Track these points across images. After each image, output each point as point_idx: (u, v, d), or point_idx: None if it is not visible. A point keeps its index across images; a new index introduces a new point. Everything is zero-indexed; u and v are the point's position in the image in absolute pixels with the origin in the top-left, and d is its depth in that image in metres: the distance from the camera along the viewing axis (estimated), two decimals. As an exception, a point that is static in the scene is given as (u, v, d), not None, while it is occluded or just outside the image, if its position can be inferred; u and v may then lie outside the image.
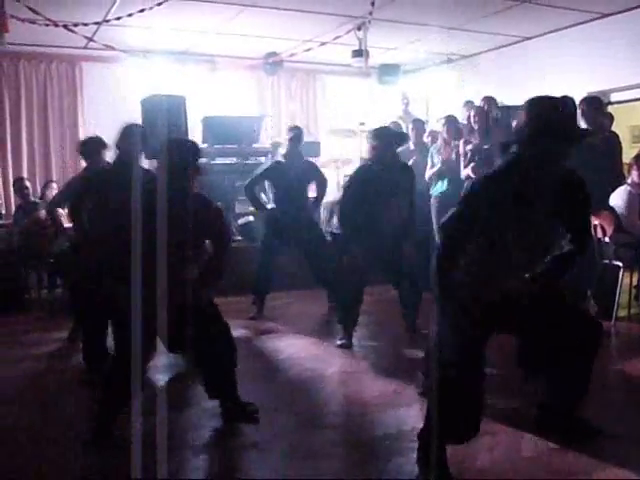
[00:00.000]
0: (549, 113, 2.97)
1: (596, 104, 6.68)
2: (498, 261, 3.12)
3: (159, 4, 6.55)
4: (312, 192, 7.05)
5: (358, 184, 5.49)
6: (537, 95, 3.05)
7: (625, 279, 6.13)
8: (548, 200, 3.07)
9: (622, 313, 6.16)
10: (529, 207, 3.02)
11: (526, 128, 2.99)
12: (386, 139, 5.47)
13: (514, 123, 3.23)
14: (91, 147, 5.54)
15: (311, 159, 7.39)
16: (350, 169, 10.07)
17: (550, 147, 2.96)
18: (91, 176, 5.28)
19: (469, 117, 7.25)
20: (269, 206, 7.01)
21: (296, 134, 6.67)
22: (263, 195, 7.34)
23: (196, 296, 3.64)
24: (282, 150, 6.93)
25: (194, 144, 3.93)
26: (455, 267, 3.08)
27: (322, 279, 6.83)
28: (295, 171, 6.63)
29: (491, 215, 2.99)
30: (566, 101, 3.03)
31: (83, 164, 6.01)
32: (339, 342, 5.52)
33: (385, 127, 5.82)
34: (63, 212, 8.51)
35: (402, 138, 5.86)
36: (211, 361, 3.80)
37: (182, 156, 3.68)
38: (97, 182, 4.98)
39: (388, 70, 10.64)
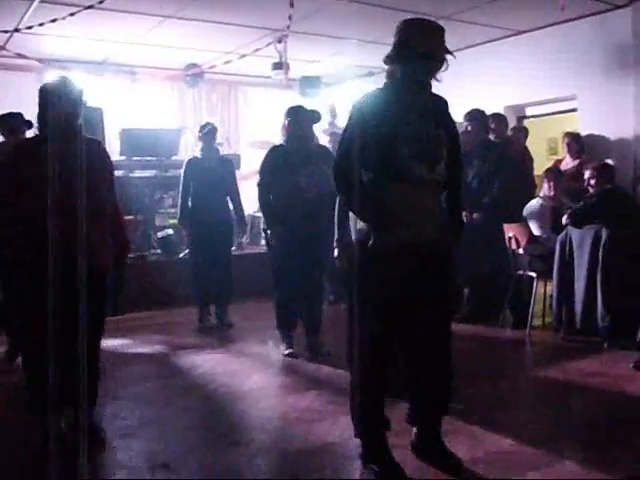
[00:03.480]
0: (414, 33, 3.17)
1: (499, 119, 6.94)
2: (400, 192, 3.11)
3: (72, 14, 6.40)
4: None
5: (271, 163, 5.48)
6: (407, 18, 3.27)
7: (539, 289, 6.27)
8: (424, 117, 3.16)
9: (537, 322, 6.31)
10: (408, 120, 3.10)
11: (397, 48, 3.18)
12: (299, 117, 5.45)
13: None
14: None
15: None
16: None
17: (417, 65, 3.11)
18: None
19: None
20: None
21: None
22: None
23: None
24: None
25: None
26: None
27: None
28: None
29: (376, 129, 3.06)
30: (430, 24, 3.24)
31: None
32: (286, 352, 5.52)
33: (298, 105, 5.67)
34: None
35: (316, 116, 5.62)
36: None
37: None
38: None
39: (309, 82, 10.66)
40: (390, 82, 3.22)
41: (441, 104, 3.32)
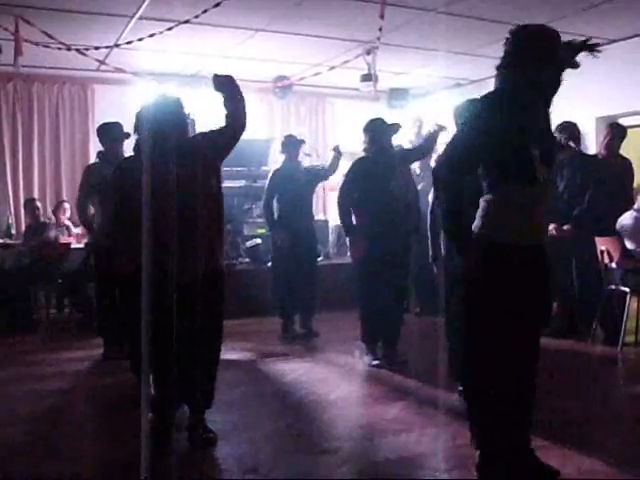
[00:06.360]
0: (534, 39, 3.09)
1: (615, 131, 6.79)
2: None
3: (169, 29, 6.61)
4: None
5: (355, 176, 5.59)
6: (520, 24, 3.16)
7: (632, 304, 6.10)
8: (544, 120, 3.16)
9: (629, 339, 6.14)
10: (523, 136, 3.02)
11: (514, 54, 3.09)
12: (379, 129, 5.61)
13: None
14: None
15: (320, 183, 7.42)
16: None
17: (537, 73, 3.05)
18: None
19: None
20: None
21: None
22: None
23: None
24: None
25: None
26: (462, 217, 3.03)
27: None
28: None
29: (493, 143, 2.98)
30: (548, 28, 3.16)
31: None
32: (372, 362, 5.55)
33: (378, 118, 5.83)
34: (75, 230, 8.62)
35: (395, 128, 5.81)
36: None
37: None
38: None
39: (397, 94, 10.70)
40: (507, 87, 3.12)
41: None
